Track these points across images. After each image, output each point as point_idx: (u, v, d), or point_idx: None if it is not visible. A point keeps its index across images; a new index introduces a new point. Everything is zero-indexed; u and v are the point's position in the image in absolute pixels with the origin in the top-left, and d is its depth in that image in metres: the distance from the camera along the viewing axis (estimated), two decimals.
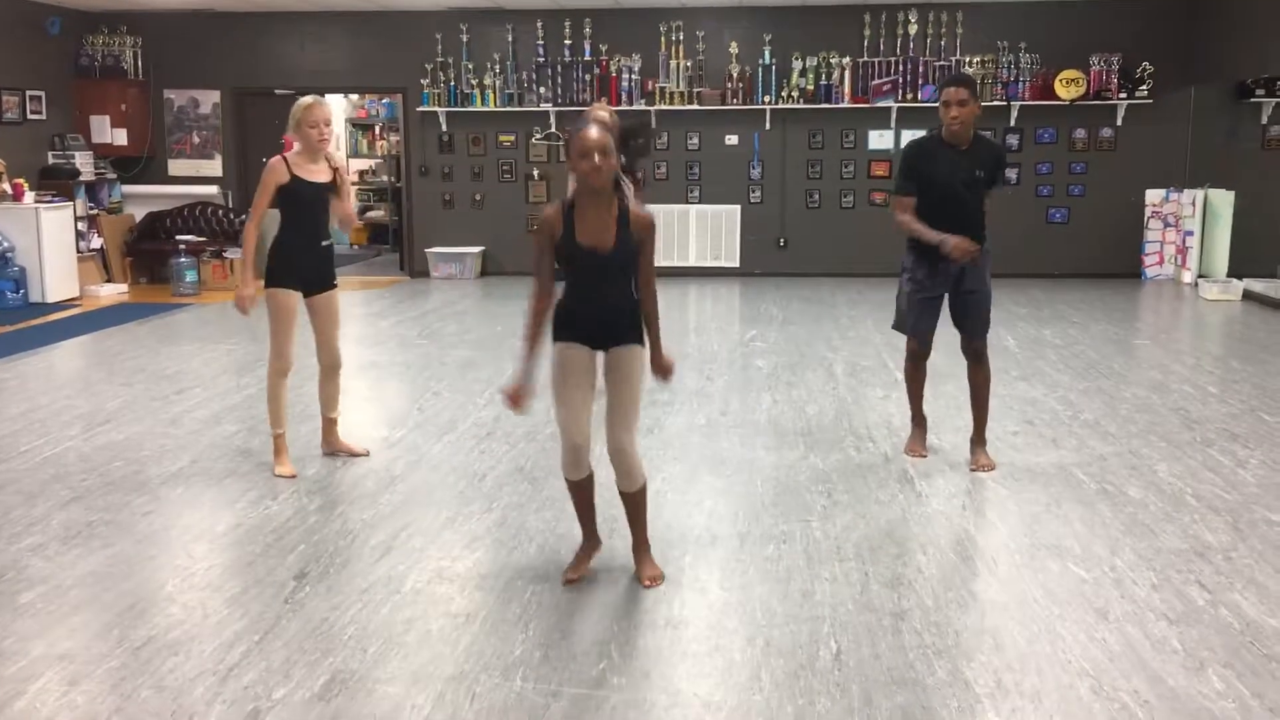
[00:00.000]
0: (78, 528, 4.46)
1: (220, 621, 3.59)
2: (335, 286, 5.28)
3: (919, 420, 5.52)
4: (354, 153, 15.84)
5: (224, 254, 11.93)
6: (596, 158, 3.54)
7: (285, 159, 5.01)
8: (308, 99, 5.07)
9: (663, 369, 3.90)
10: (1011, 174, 12.00)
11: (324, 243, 5.18)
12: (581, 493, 3.97)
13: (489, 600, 3.77)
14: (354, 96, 15.19)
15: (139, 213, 12.47)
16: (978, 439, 5.34)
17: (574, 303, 3.80)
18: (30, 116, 11.55)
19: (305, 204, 5.05)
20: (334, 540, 4.34)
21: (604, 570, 4.01)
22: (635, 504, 3.93)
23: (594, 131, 3.57)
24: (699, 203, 12.48)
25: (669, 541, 4.27)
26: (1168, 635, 3.46)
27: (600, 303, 3.77)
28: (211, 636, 3.47)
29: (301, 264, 5.09)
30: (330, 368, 5.35)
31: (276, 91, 12.67)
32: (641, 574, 3.92)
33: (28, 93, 11.52)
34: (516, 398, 3.85)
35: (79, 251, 11.31)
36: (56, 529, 4.45)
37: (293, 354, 5.16)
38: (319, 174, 5.07)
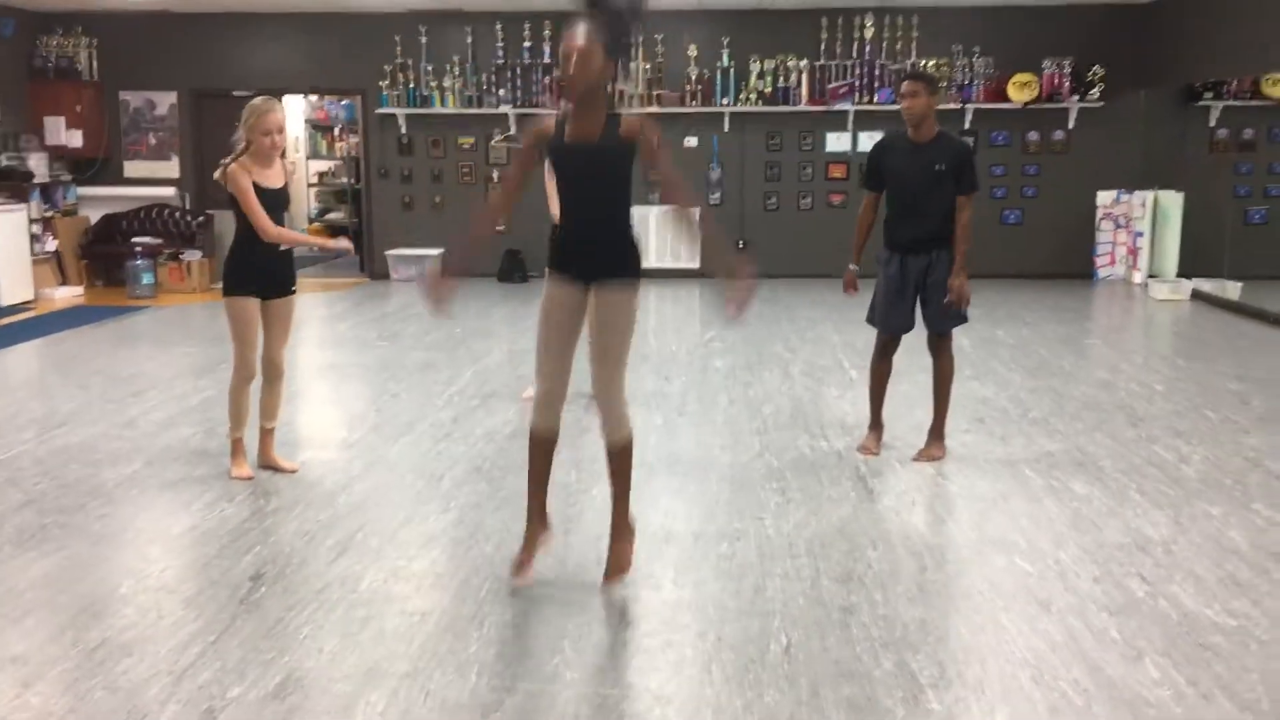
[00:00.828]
0: (31, 530, 4.45)
1: (175, 623, 3.60)
2: (294, 293, 5.22)
3: (876, 419, 5.61)
4: (313, 154, 15.77)
5: (180, 256, 11.85)
6: (571, 66, 3.59)
7: (242, 164, 4.94)
8: (259, 102, 4.94)
9: (739, 298, 3.78)
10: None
11: (282, 248, 5.10)
12: (541, 454, 3.84)
13: (444, 599, 3.80)
14: (313, 98, 15.12)
15: (94, 215, 12.36)
16: (933, 431, 5.44)
17: (566, 223, 3.78)
18: None
19: (266, 210, 4.99)
20: (290, 541, 4.35)
21: (559, 567, 4.06)
22: (620, 465, 3.85)
23: (576, 37, 3.57)
24: (658, 204, 12.53)
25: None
26: (1108, 626, 3.55)
27: (589, 220, 3.73)
28: (166, 637, 3.49)
29: (260, 270, 5.05)
30: (273, 376, 5.27)
31: (234, 93, 12.55)
32: (614, 562, 3.84)
33: None
34: (434, 287, 3.86)
35: (34, 254, 11.18)
36: (10, 532, 4.43)
37: (256, 361, 5.14)
38: (275, 178, 5.04)
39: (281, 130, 4.99)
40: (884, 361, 5.52)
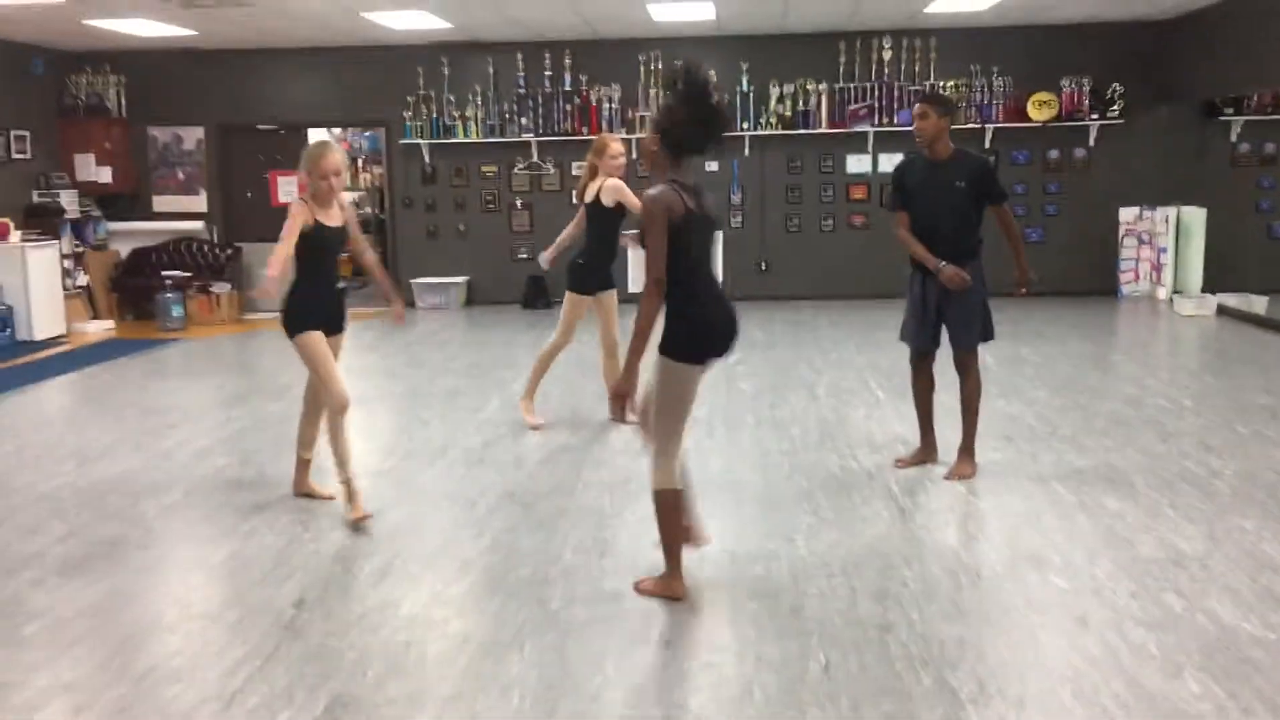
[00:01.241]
0: (75, 561, 4.52)
1: (221, 649, 3.66)
2: (344, 330, 5.23)
3: (925, 435, 5.66)
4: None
5: (210, 289, 12.00)
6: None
7: (306, 202, 4.95)
8: (315, 147, 5.00)
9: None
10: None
11: (339, 285, 5.18)
12: (680, 502, 4.02)
13: (484, 622, 3.85)
14: (336, 130, 15.30)
15: (124, 249, 12.53)
16: (963, 448, 5.46)
17: (708, 301, 3.93)
18: (15, 156, 11.61)
19: (325, 249, 5.03)
20: (329, 568, 4.41)
21: (594, 591, 4.10)
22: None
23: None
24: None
25: (659, 561, 4.34)
26: (1146, 641, 3.56)
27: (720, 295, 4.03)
28: (213, 664, 3.54)
29: (321, 308, 5.05)
30: (317, 408, 5.24)
31: (260, 127, 12.79)
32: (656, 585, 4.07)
33: (13, 132, 11.58)
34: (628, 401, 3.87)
35: (65, 289, 11.34)
36: (54, 563, 4.51)
37: (345, 390, 5.00)
38: (334, 218, 5.04)
39: (339, 173, 4.94)
40: (920, 379, 5.58)
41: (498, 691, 3.31)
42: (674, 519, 3.96)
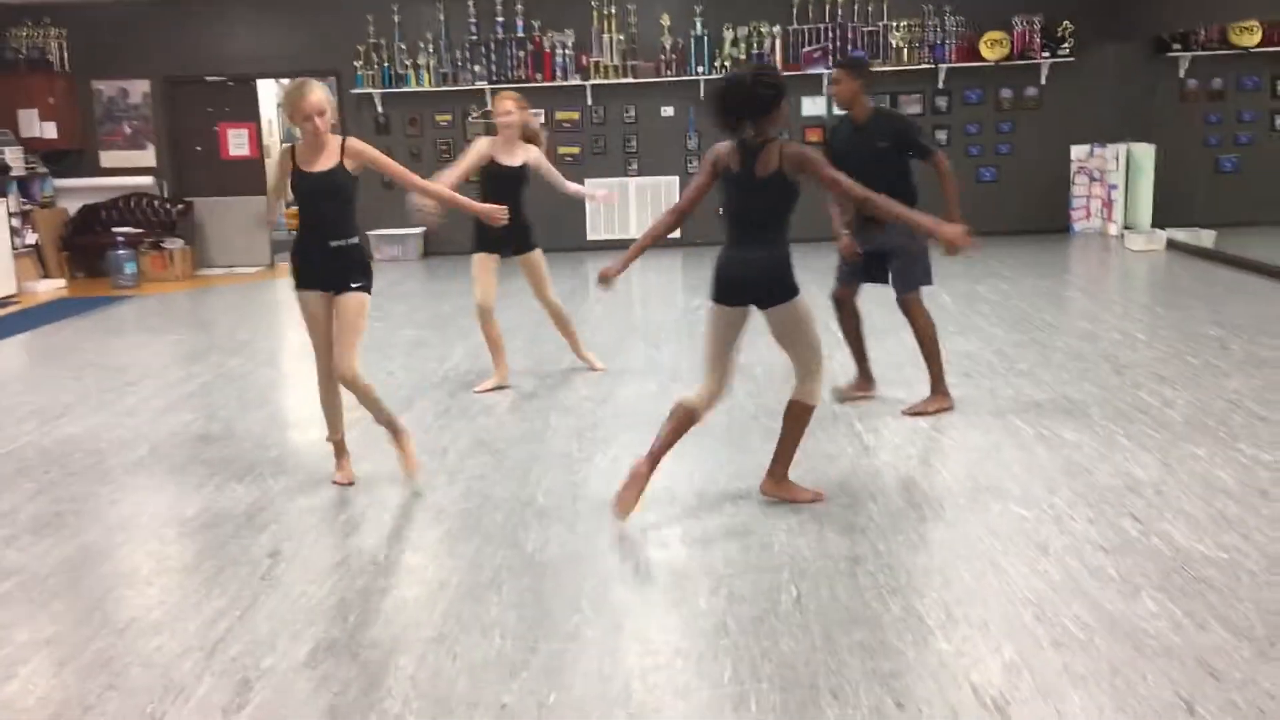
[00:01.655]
0: (47, 518, 4.52)
1: (200, 600, 3.69)
2: (353, 289, 4.66)
3: (858, 362, 5.90)
4: (287, 137, 15.73)
5: (162, 244, 11.85)
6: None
7: (293, 148, 4.63)
8: (296, 85, 4.52)
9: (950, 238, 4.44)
10: (941, 135, 12.27)
11: (332, 242, 4.60)
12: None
13: (460, 566, 3.90)
14: (285, 81, 15.06)
15: (73, 206, 12.33)
16: (933, 387, 5.64)
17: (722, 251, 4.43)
18: None
19: (305, 198, 4.62)
20: (303, 519, 4.44)
21: (568, 533, 4.16)
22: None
23: None
24: (638, 175, 12.60)
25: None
26: (1104, 564, 3.69)
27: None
28: (193, 615, 3.57)
29: (310, 265, 4.67)
30: (335, 377, 4.77)
31: (208, 79, 12.58)
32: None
33: None
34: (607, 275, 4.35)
35: (14, 248, 11.17)
36: (26, 521, 4.50)
37: (335, 363, 4.67)
38: (320, 163, 4.56)
39: (323, 112, 4.47)
40: (842, 314, 5.82)
41: (478, 632, 3.37)
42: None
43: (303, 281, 4.69)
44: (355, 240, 4.69)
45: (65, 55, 12.37)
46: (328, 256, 4.61)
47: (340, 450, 4.93)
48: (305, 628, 3.44)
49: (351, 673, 3.15)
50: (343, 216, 4.65)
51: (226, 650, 3.31)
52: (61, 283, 11.65)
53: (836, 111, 6.17)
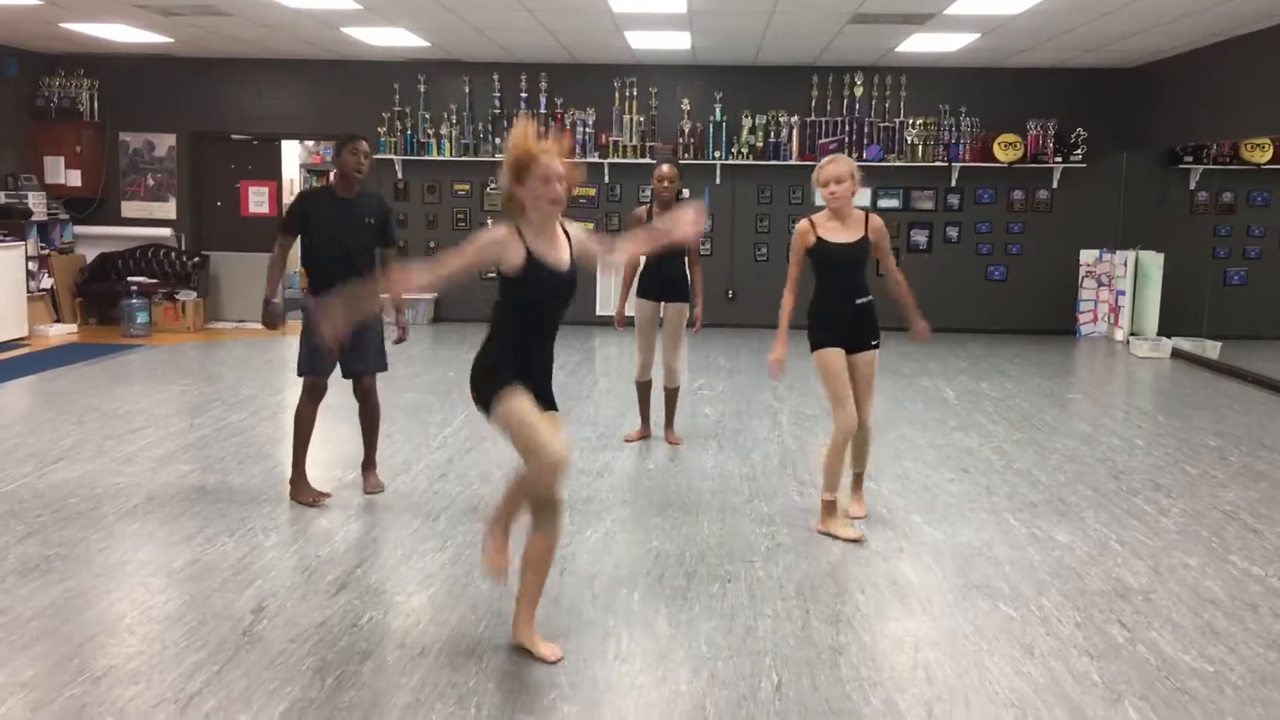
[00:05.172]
0: (35, 561, 4.52)
1: (179, 653, 3.67)
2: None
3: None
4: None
5: (176, 296, 11.95)
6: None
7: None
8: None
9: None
10: (952, 232, 12.42)
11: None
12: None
13: (443, 634, 3.89)
14: (309, 142, 15.31)
15: (90, 254, 12.46)
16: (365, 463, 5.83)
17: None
18: None
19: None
20: (290, 576, 4.43)
21: (553, 606, 4.15)
22: None
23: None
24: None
25: (617, 580, 4.43)
26: (1089, 670, 3.66)
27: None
28: (171, 666, 3.56)
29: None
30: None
31: (233, 136, 12.80)
32: None
33: None
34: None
35: (29, 291, 11.28)
36: (13, 563, 4.50)
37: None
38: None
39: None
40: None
41: (455, 700, 3.35)
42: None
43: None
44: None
45: (96, 105, 12.60)
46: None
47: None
48: (282, 686, 3.43)
49: None
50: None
51: (201, 705, 3.29)
52: (73, 328, 11.74)
53: None
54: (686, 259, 6.93)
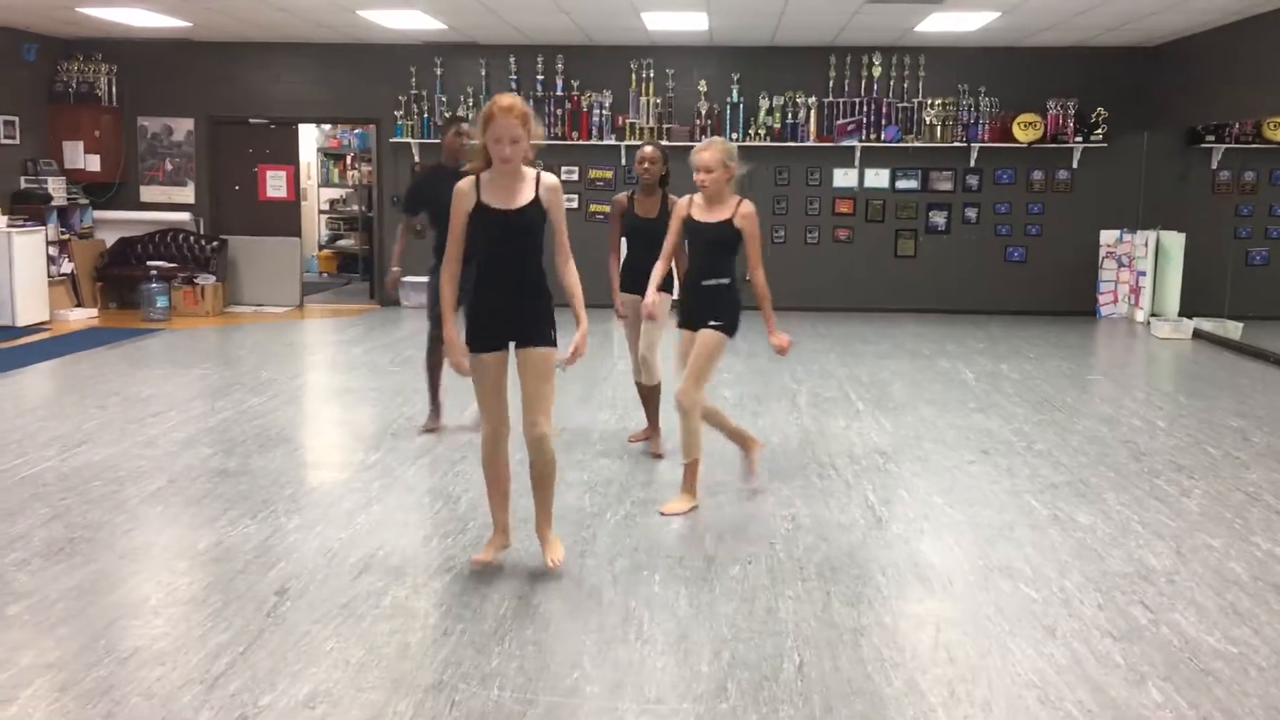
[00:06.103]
0: (60, 544, 4.56)
1: (204, 634, 3.70)
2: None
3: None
4: (325, 182, 15.97)
5: (195, 280, 12.00)
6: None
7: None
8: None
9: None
10: (971, 213, 12.37)
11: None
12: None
13: (466, 614, 3.90)
14: (326, 126, 15.33)
15: (110, 238, 12.53)
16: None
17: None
18: (3, 141, 11.60)
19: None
20: (313, 558, 4.46)
21: (575, 587, 4.16)
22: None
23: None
24: None
25: (638, 562, 4.44)
26: (1111, 651, 3.65)
27: None
28: (196, 648, 3.59)
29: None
30: None
31: (250, 120, 12.82)
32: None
33: (1, 118, 11.58)
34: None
35: (50, 276, 11.35)
36: (39, 545, 4.54)
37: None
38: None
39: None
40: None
41: (478, 681, 3.37)
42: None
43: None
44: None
45: (114, 90, 12.64)
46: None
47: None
48: (306, 668, 3.45)
49: (349, 715, 3.15)
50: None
51: (226, 685, 3.32)
52: (94, 312, 11.81)
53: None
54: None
